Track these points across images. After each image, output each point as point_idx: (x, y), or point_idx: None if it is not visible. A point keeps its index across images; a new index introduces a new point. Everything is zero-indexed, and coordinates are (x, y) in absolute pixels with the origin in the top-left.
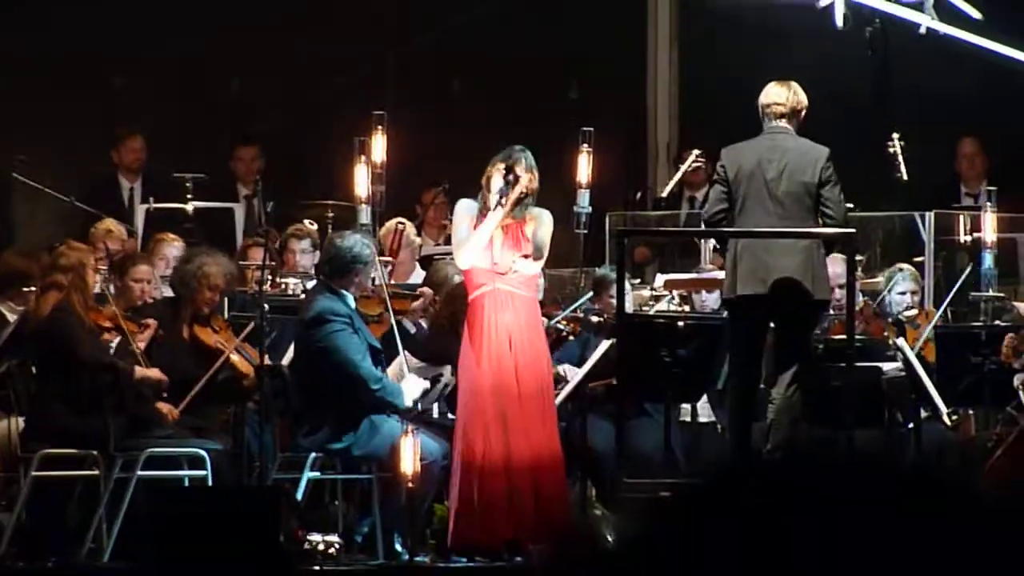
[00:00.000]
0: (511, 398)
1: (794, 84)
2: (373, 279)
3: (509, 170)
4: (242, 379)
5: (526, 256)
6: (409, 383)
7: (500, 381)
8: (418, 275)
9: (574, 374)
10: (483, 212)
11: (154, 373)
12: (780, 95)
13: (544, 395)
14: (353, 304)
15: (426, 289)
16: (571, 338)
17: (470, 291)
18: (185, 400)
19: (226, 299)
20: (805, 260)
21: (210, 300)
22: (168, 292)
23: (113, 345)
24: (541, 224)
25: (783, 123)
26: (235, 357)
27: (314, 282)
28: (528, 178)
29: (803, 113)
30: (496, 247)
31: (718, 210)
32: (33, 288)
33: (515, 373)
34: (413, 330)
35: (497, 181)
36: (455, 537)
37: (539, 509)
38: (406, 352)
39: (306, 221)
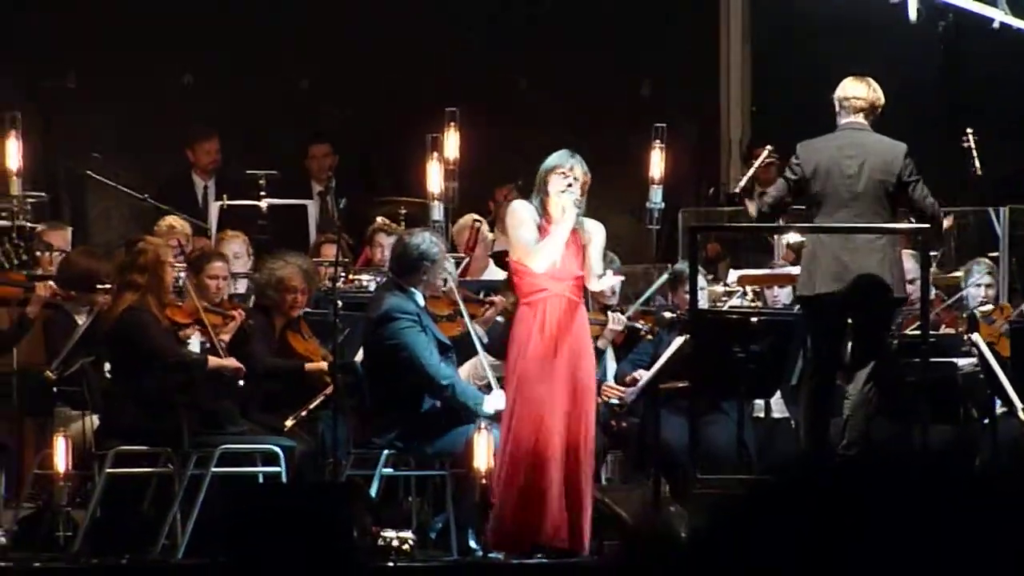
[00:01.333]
0: (559, 400)
1: (871, 80)
2: (444, 280)
3: (569, 174)
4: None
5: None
6: (495, 396)
7: (549, 382)
8: (491, 272)
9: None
10: (544, 218)
11: (230, 362)
12: (860, 90)
13: (589, 396)
14: (422, 302)
15: (498, 299)
16: (648, 337)
17: (525, 293)
18: (293, 418)
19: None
20: (883, 258)
21: (294, 302)
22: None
23: (193, 341)
24: (601, 237)
25: (860, 118)
26: (322, 366)
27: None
28: (584, 181)
29: (879, 110)
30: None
31: (775, 201)
32: (101, 287)
33: (564, 375)
34: (485, 339)
35: (560, 183)
36: (494, 534)
37: (570, 507)
38: (483, 354)
39: (379, 219)
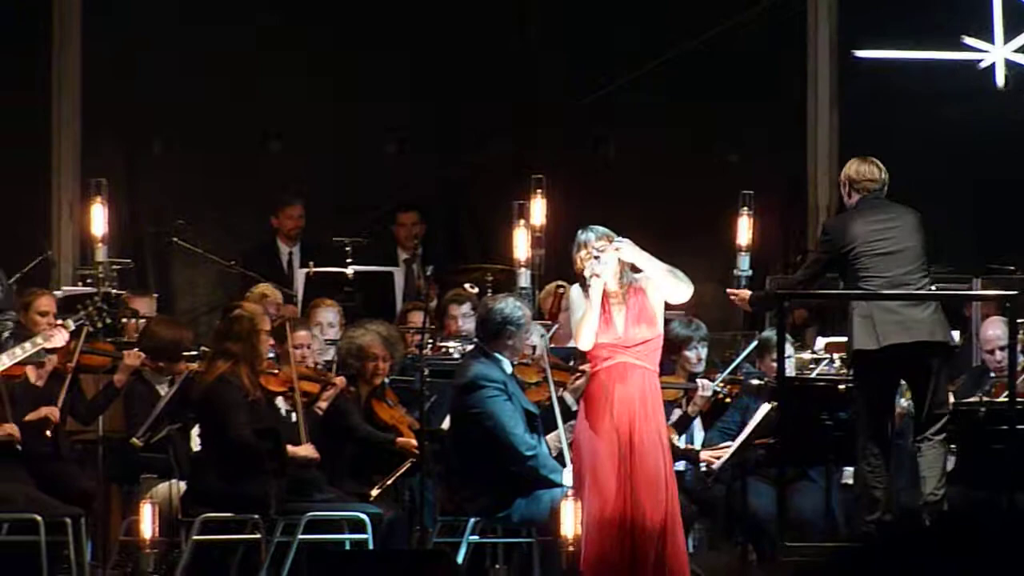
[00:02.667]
0: (630, 467)
1: (875, 159)
2: (534, 347)
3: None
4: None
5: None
6: (568, 469)
7: (619, 451)
8: None
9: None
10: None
11: (304, 451)
12: (872, 172)
13: (664, 463)
14: (509, 369)
15: (586, 366)
16: (727, 400)
17: (594, 364)
18: (379, 487)
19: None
20: (935, 309)
21: (376, 369)
22: (327, 356)
23: (280, 406)
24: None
25: (876, 195)
26: (412, 442)
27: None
28: (603, 244)
29: (886, 186)
30: (619, 321)
31: (808, 279)
32: (185, 355)
33: (636, 443)
34: (575, 407)
35: (587, 266)
36: None
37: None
38: (564, 427)
39: (466, 285)
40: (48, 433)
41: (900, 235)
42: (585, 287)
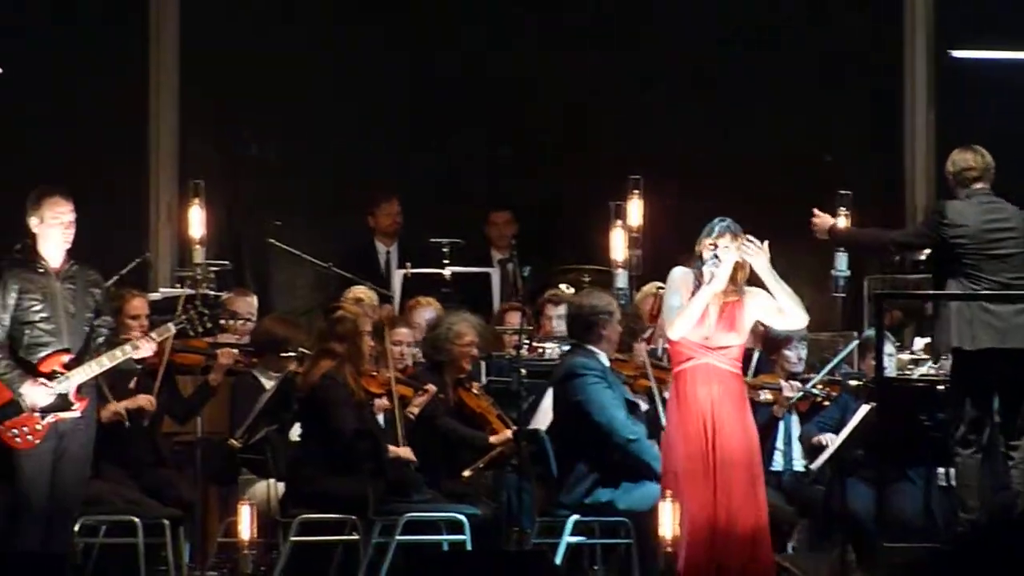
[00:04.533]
0: (716, 470)
1: (977, 147)
2: (631, 346)
3: (716, 244)
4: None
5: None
6: None
7: (705, 453)
8: None
9: (833, 441)
10: (698, 286)
11: (404, 453)
12: (967, 160)
13: (751, 466)
14: (607, 362)
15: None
16: (827, 403)
17: (677, 362)
18: (471, 469)
19: (483, 364)
20: None
21: (467, 357)
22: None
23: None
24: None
25: (980, 185)
26: (507, 434)
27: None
28: (734, 247)
29: (992, 172)
30: (711, 322)
31: (907, 246)
32: (291, 354)
33: (719, 446)
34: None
35: (708, 255)
36: None
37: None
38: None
39: (562, 286)
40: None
41: (1012, 239)
42: (695, 272)
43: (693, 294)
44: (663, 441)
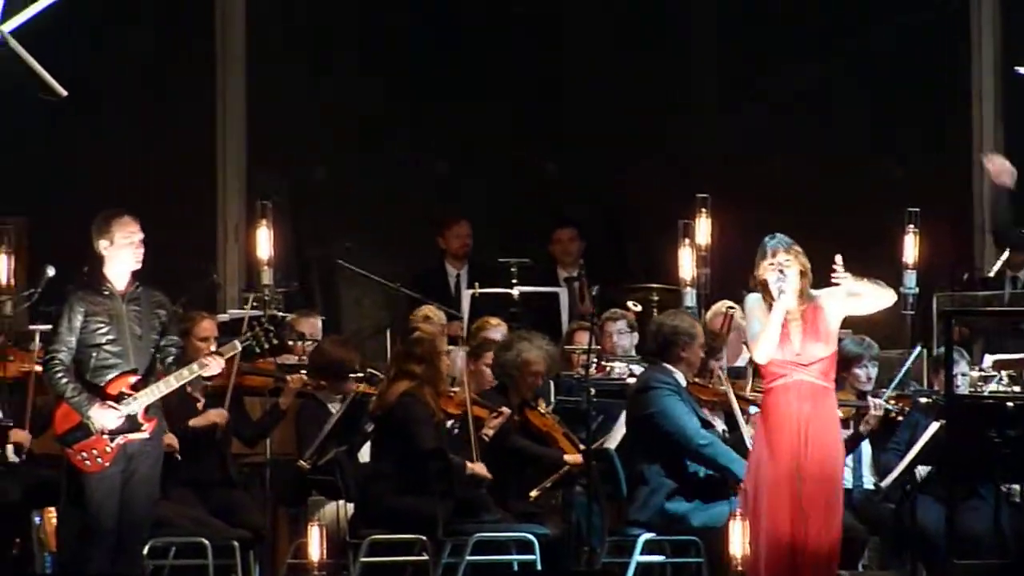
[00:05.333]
0: (803, 486)
1: None
2: (711, 370)
3: (778, 265)
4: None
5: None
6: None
7: (793, 471)
8: (743, 358)
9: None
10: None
11: (480, 469)
12: None
13: (837, 481)
14: (683, 382)
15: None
16: (899, 417)
17: (768, 380)
18: (538, 489)
19: (552, 383)
20: None
21: (533, 384)
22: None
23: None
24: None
25: None
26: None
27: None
28: (792, 258)
29: None
30: (796, 338)
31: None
32: (358, 375)
33: (807, 463)
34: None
35: (771, 277)
36: None
37: None
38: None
39: (630, 303)
40: (216, 436)
41: None
42: (765, 296)
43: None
44: (749, 457)
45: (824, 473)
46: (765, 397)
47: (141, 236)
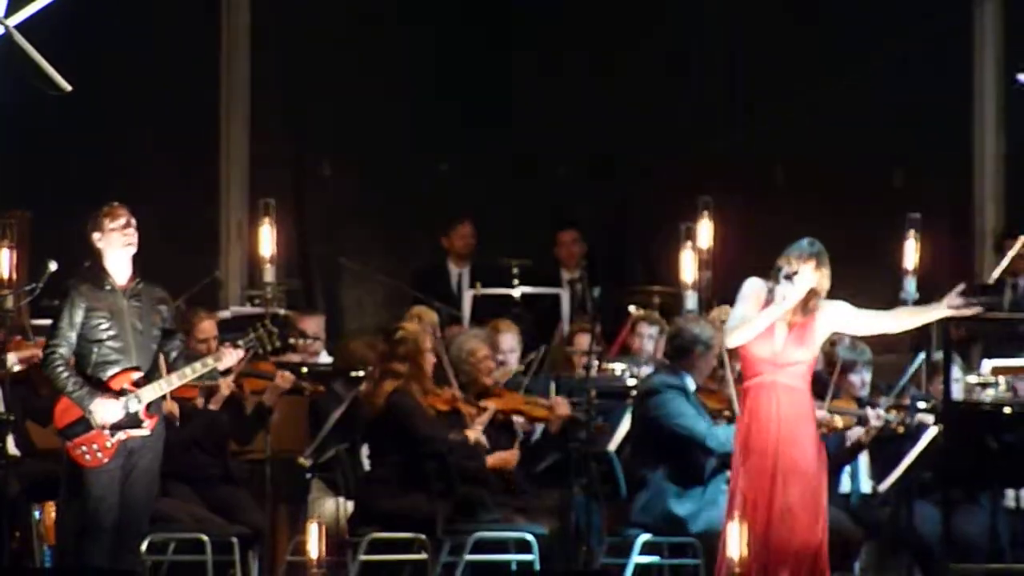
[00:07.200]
0: (774, 486)
1: None
2: (722, 375)
3: (796, 267)
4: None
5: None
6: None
7: (765, 469)
8: None
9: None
10: (769, 300)
11: (512, 456)
12: None
13: (812, 483)
14: (692, 387)
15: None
16: (900, 430)
17: (746, 377)
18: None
19: (553, 383)
20: None
21: (488, 368)
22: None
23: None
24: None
25: None
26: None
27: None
28: (817, 277)
29: None
30: (779, 339)
31: None
32: (362, 374)
33: (784, 462)
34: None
35: (782, 274)
36: None
37: None
38: None
39: (631, 307)
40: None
41: None
42: (770, 286)
43: (766, 306)
44: (732, 458)
45: (800, 471)
46: (743, 395)
47: (126, 220)
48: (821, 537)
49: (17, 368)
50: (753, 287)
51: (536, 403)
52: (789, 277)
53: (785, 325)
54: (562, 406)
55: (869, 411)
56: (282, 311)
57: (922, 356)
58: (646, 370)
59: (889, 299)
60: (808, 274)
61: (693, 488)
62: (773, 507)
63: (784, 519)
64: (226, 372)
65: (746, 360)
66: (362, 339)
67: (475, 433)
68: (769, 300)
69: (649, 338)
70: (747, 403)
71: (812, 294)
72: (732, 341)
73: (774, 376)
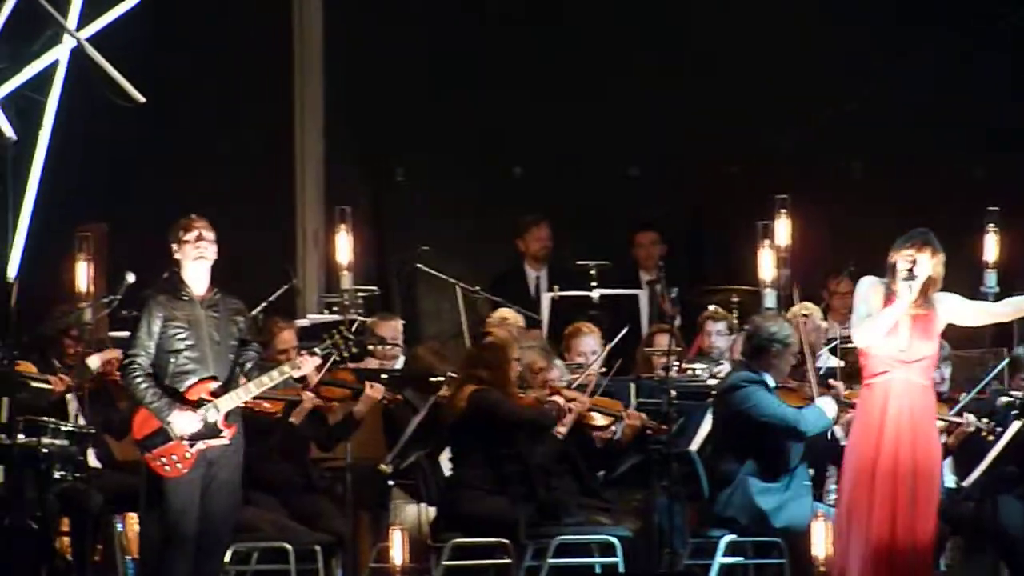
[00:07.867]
0: (897, 484)
1: None
2: (805, 371)
3: (912, 258)
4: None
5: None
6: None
7: (889, 467)
8: (824, 359)
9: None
10: (889, 296)
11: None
12: None
13: (931, 484)
14: (771, 384)
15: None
16: (989, 438)
17: (868, 374)
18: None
19: (633, 385)
20: None
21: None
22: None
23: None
24: (950, 303)
25: None
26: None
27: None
28: (933, 263)
29: None
30: (903, 334)
31: None
32: (440, 379)
33: (903, 460)
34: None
35: (902, 267)
36: None
37: None
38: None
39: (710, 307)
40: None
41: None
42: (886, 282)
43: (886, 304)
44: (845, 454)
45: (921, 471)
46: (864, 391)
47: (199, 232)
48: (933, 536)
49: (97, 366)
50: (868, 285)
51: (601, 409)
52: (909, 270)
53: (908, 319)
54: (634, 416)
55: (965, 417)
56: (359, 317)
57: (1007, 359)
58: (724, 368)
59: (969, 293)
60: (925, 262)
61: (777, 481)
62: (896, 505)
63: (904, 518)
64: (300, 379)
65: (872, 357)
66: (428, 346)
67: (563, 429)
68: (887, 297)
69: (718, 335)
70: (871, 399)
71: (931, 282)
72: (861, 340)
73: (901, 373)
